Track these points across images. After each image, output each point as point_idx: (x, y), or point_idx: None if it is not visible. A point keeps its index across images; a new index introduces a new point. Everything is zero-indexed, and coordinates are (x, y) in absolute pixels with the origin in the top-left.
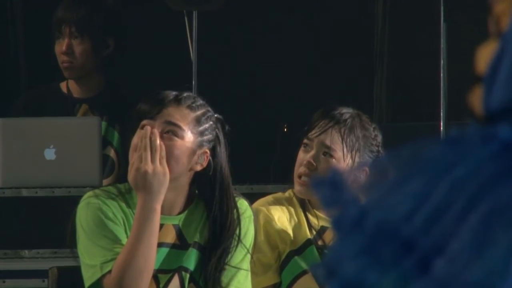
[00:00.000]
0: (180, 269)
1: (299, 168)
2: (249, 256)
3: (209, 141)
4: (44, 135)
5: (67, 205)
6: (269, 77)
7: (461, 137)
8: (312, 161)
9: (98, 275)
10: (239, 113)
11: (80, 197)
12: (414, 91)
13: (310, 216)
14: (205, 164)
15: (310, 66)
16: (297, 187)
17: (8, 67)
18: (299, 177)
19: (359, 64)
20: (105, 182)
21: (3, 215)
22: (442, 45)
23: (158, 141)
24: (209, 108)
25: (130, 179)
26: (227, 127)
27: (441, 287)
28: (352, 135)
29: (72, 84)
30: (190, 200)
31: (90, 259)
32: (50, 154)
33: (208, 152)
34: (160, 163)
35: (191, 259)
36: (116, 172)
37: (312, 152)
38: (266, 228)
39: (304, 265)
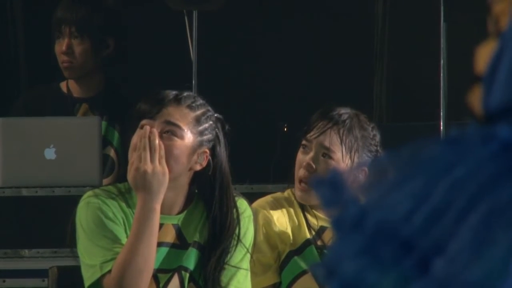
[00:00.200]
0: (180, 269)
1: (299, 171)
2: (248, 255)
3: (209, 141)
4: (44, 134)
5: (67, 205)
6: (269, 77)
7: (461, 137)
8: (311, 163)
9: (98, 274)
10: (239, 112)
11: (80, 196)
12: (414, 91)
13: (309, 216)
14: (204, 164)
15: (310, 66)
16: (297, 193)
17: (8, 67)
18: (300, 182)
19: (359, 64)
20: (105, 181)
21: (3, 214)
22: (442, 45)
23: (157, 141)
24: (209, 108)
25: (130, 179)
26: (227, 127)
27: (441, 287)
28: (351, 135)
29: (72, 84)
30: (189, 200)
31: (90, 259)
32: (50, 153)
33: (208, 151)
34: (160, 162)
35: (190, 259)
36: (116, 172)
37: (311, 154)
38: (265, 228)
39: (303, 265)
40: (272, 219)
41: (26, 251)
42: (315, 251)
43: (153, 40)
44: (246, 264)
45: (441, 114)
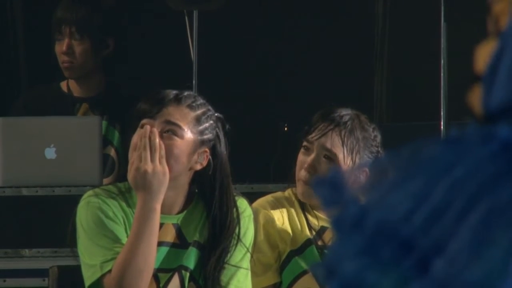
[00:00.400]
0: (180, 268)
1: (300, 172)
2: (248, 255)
3: (209, 140)
4: (45, 134)
5: (67, 204)
6: (269, 76)
7: (461, 137)
8: (313, 164)
9: (98, 274)
10: (240, 112)
11: (81, 196)
12: (415, 91)
13: (309, 216)
14: (205, 163)
15: (310, 66)
16: (299, 190)
17: (8, 67)
18: (299, 181)
19: (359, 64)
20: (105, 181)
21: (4, 214)
22: (442, 45)
23: (157, 141)
24: (210, 107)
25: (130, 179)
26: (227, 126)
27: (441, 287)
28: (352, 137)
29: (72, 83)
30: (190, 199)
31: (90, 258)
32: (50, 153)
33: (208, 151)
34: (160, 162)
35: (191, 258)
36: (116, 171)
37: (313, 155)
38: (266, 228)
39: (304, 265)
40: (273, 218)
41: (27, 250)
42: (316, 251)
43: (153, 39)
44: (246, 263)
45: (442, 114)
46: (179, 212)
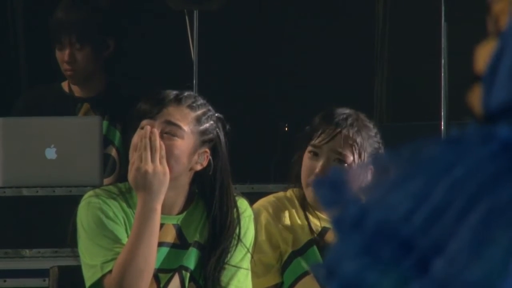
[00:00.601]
0: (180, 269)
1: (310, 178)
2: (249, 255)
3: (209, 141)
4: (45, 134)
5: (68, 205)
6: (269, 76)
7: (461, 137)
8: (324, 169)
9: (99, 275)
10: (240, 112)
11: (81, 196)
12: (415, 91)
13: (311, 217)
14: (205, 164)
15: (310, 66)
16: (310, 196)
17: (9, 66)
18: (310, 187)
19: (359, 64)
20: (106, 181)
21: (4, 214)
22: (443, 45)
23: (158, 141)
24: (210, 108)
25: (130, 179)
26: (227, 127)
27: (441, 287)
28: (360, 137)
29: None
30: (190, 200)
31: (91, 259)
32: (51, 153)
33: (209, 151)
34: (160, 162)
35: (191, 259)
36: (117, 171)
37: (323, 160)
38: (267, 228)
39: (306, 266)
40: (275, 219)
41: (27, 251)
42: (318, 251)
43: (153, 39)
44: (246, 263)
45: (442, 114)
46: (179, 213)
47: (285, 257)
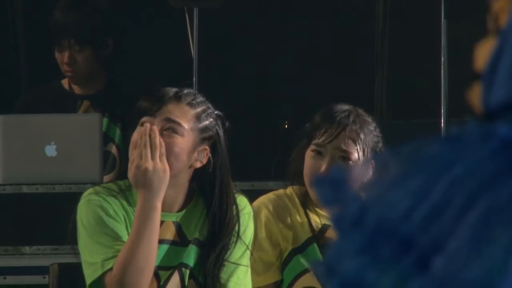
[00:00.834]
0: (180, 266)
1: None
2: (248, 252)
3: (209, 138)
4: (45, 131)
5: (68, 202)
6: (270, 74)
7: (461, 135)
8: (329, 168)
9: (99, 272)
10: (240, 110)
11: (81, 193)
12: (415, 89)
13: (311, 214)
14: (205, 161)
15: (310, 64)
16: (313, 194)
17: (9, 64)
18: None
19: (359, 62)
20: (106, 178)
21: (4, 211)
22: (442, 43)
23: (158, 138)
24: (210, 105)
25: (130, 177)
26: (227, 124)
27: (440, 285)
28: (362, 133)
29: None
30: (190, 197)
31: (91, 256)
32: (51, 150)
33: (208, 149)
34: (160, 160)
35: (191, 256)
36: (117, 169)
37: (327, 159)
38: (267, 226)
39: (306, 264)
40: (275, 217)
41: (27, 248)
42: (318, 249)
43: (153, 37)
44: (246, 260)
45: (442, 111)
46: (179, 210)
47: (285, 255)
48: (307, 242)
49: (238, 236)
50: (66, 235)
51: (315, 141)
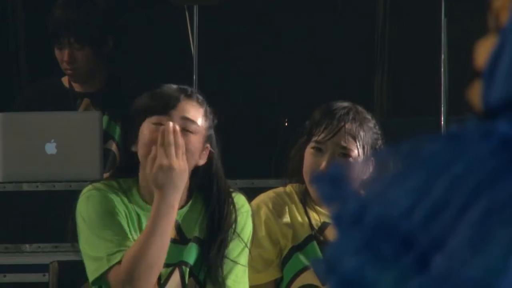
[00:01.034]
0: (180, 264)
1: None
2: (247, 250)
3: (211, 136)
4: (45, 129)
5: (68, 200)
6: (269, 72)
7: (461, 132)
8: (329, 165)
9: (105, 267)
10: (240, 107)
11: (81, 191)
12: (415, 86)
13: (311, 212)
14: (206, 159)
15: (310, 61)
16: (314, 192)
17: (9, 61)
18: None
19: (359, 59)
20: (106, 176)
21: (4, 209)
22: (442, 40)
23: (180, 137)
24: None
25: (151, 175)
26: (216, 120)
27: (440, 284)
28: (362, 130)
29: None
30: (189, 195)
31: (94, 251)
32: (51, 148)
33: (209, 146)
34: (182, 159)
35: (190, 254)
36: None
37: (327, 156)
38: (267, 223)
39: (305, 261)
40: (274, 214)
41: (27, 245)
42: (317, 247)
43: (154, 34)
44: (244, 259)
45: (442, 109)
46: (180, 208)
47: (285, 252)
48: (307, 240)
49: (235, 231)
50: (66, 233)
51: (315, 138)
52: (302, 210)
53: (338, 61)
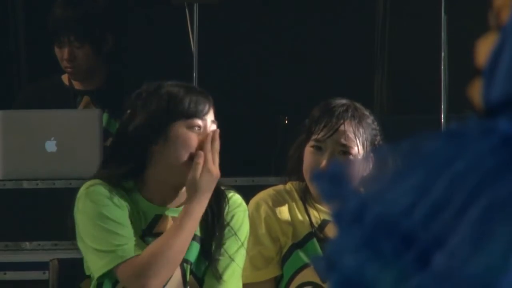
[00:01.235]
0: (182, 262)
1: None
2: (243, 251)
3: None
4: (45, 127)
5: (68, 197)
6: (270, 69)
7: (461, 130)
8: (329, 163)
9: (118, 260)
10: (240, 105)
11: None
12: (415, 84)
13: (311, 210)
14: None
15: (310, 59)
16: (314, 190)
17: (9, 59)
18: None
19: (359, 57)
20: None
21: (4, 207)
22: (443, 38)
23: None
24: None
25: (198, 179)
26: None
27: (441, 282)
28: (361, 127)
29: None
30: None
31: (101, 245)
32: (51, 146)
33: None
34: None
35: (191, 252)
36: None
37: (327, 154)
38: (267, 221)
39: (305, 259)
40: (274, 212)
41: (27, 243)
42: (317, 244)
43: (154, 32)
44: (240, 259)
45: (442, 107)
46: (179, 206)
47: (285, 250)
48: (307, 237)
49: (229, 226)
50: (66, 231)
51: (315, 136)
52: (302, 207)
53: (338, 60)
